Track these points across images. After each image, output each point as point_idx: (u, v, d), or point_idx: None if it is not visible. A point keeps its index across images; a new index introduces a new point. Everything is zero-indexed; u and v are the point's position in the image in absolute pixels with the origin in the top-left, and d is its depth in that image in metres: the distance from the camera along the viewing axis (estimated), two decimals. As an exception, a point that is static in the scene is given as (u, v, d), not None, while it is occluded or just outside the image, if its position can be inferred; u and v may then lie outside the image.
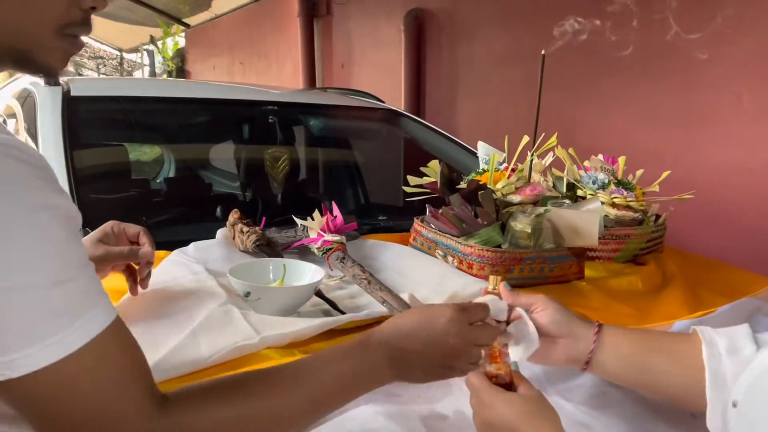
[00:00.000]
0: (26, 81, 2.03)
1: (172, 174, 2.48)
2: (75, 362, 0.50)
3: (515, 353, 0.77)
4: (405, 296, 1.00)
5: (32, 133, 1.68)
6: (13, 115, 1.99)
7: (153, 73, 9.66)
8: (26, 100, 1.90)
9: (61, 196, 0.53)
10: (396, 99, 4.20)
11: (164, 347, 0.85)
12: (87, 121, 1.81)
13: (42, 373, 0.49)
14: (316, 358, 0.68)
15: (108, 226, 1.00)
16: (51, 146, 1.56)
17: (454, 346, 0.70)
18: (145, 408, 0.54)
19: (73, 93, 1.79)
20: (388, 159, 2.58)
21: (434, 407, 0.82)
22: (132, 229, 1.01)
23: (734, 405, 0.65)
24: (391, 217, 1.87)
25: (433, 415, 0.81)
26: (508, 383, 0.72)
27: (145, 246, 1.00)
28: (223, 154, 2.31)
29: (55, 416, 0.51)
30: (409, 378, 0.72)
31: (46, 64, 0.58)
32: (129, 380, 0.54)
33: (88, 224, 1.34)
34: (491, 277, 0.80)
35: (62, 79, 1.86)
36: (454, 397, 0.84)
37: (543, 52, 1.31)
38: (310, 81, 5.71)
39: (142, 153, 2.74)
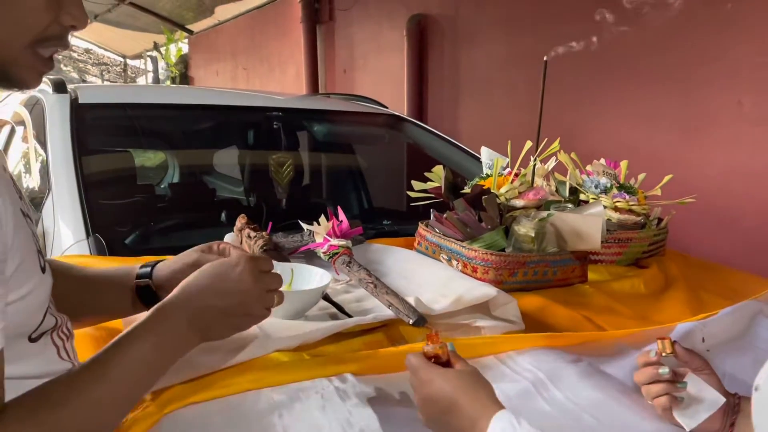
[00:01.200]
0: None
1: (177, 179, 2.50)
2: None
3: (690, 411, 0.79)
4: (411, 300, 1.02)
5: (41, 140, 1.70)
6: (21, 122, 2.01)
7: (156, 80, 9.70)
8: (34, 107, 1.92)
9: None
10: (398, 104, 4.22)
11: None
12: (95, 128, 1.83)
13: None
14: (116, 345, 0.66)
15: (213, 243, 0.92)
16: (60, 153, 1.58)
17: (250, 292, 0.74)
18: None
19: (81, 100, 1.82)
20: (391, 164, 2.60)
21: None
22: (235, 250, 0.90)
23: (756, 389, 0.66)
24: (394, 221, 1.89)
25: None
26: (445, 362, 0.77)
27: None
28: (228, 160, 2.33)
29: None
30: (213, 335, 0.75)
31: (21, 78, 0.59)
32: None
33: (97, 230, 1.37)
34: (659, 342, 0.83)
35: (70, 87, 1.89)
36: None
37: (545, 58, 1.33)
38: (313, 86, 5.74)
39: (147, 159, 2.76)
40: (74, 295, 0.84)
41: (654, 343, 0.85)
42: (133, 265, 0.93)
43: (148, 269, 0.89)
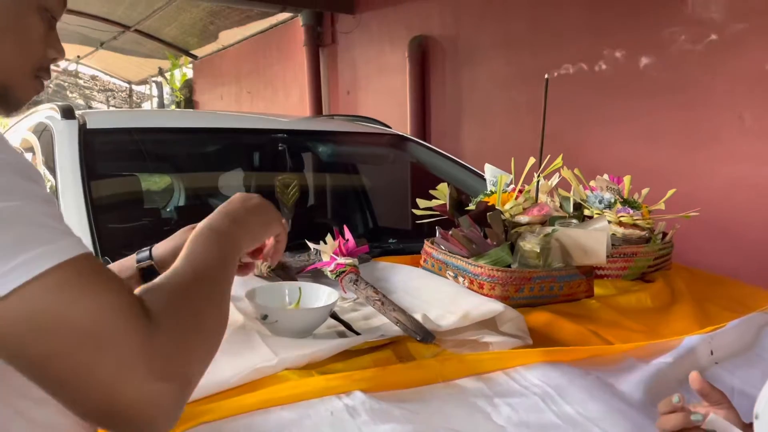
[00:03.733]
0: (42, 115, 2.08)
1: (183, 202, 2.52)
2: (49, 283, 0.49)
3: None
4: (418, 316, 1.02)
5: (50, 166, 1.72)
6: (30, 149, 2.04)
7: (161, 105, 9.81)
8: (43, 133, 1.95)
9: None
10: (401, 124, 4.26)
11: (186, 370, 0.87)
12: (103, 153, 1.85)
13: (24, 290, 0.48)
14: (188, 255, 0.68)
15: (182, 234, 0.97)
16: (69, 178, 1.60)
17: (261, 201, 0.83)
18: (140, 322, 0.52)
19: (89, 126, 1.84)
20: (395, 183, 2.62)
21: (450, 425, 0.84)
22: None
23: (756, 417, 0.66)
24: (399, 240, 1.90)
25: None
26: None
27: None
28: (234, 182, 2.35)
29: (48, 349, 0.49)
30: (252, 233, 0.80)
31: (18, 100, 0.69)
32: (117, 296, 0.52)
33: (106, 253, 1.38)
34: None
35: (78, 113, 1.92)
36: (469, 412, 0.85)
37: (546, 76, 1.35)
38: (317, 108, 5.80)
39: (153, 183, 2.79)
40: None
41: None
42: (125, 259, 0.96)
43: (146, 252, 0.93)
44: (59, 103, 1.97)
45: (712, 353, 1.07)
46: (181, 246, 0.82)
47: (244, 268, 0.92)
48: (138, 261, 0.93)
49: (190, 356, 0.56)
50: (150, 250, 0.93)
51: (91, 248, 1.37)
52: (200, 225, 0.74)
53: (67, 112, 1.87)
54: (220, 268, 0.67)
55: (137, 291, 0.57)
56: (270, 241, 0.89)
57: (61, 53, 0.72)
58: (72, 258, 0.51)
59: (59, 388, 0.50)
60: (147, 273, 0.92)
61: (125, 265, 0.95)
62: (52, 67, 0.74)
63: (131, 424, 0.51)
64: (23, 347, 0.49)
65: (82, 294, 0.51)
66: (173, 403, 0.52)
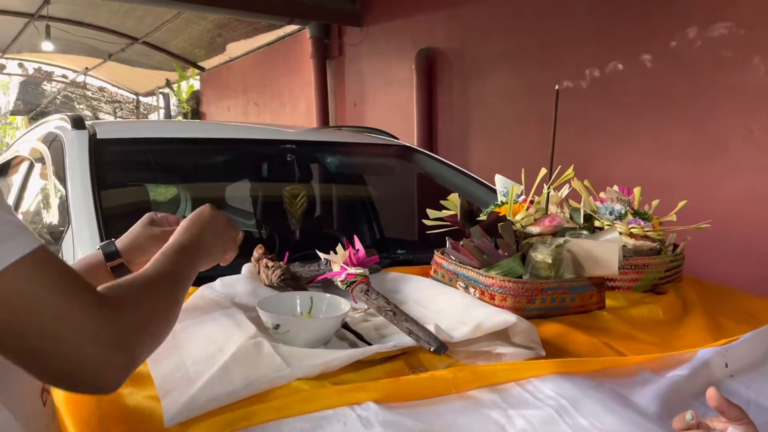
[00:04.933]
0: (52, 125, 2.10)
1: (191, 212, 2.52)
2: (11, 276, 0.57)
3: None
4: (431, 327, 1.02)
5: (60, 175, 1.73)
6: (40, 159, 2.05)
7: (168, 116, 9.86)
8: (53, 143, 1.96)
9: None
10: (408, 136, 4.27)
11: (197, 382, 0.87)
12: (113, 163, 1.86)
13: None
14: (161, 267, 0.79)
15: (151, 213, 1.10)
16: (79, 187, 1.61)
17: (221, 221, 0.97)
18: (92, 304, 0.61)
19: (99, 136, 1.85)
20: (402, 194, 2.62)
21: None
22: (171, 217, 1.11)
23: None
24: (408, 250, 1.90)
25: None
26: None
27: None
28: (242, 192, 2.36)
29: (9, 331, 0.57)
30: (210, 255, 0.94)
31: None
32: (72, 284, 0.61)
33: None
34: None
35: (88, 123, 1.93)
36: (483, 424, 0.84)
37: (557, 87, 1.35)
38: (324, 120, 5.82)
39: (160, 193, 2.79)
40: None
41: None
42: (87, 256, 1.07)
43: (113, 248, 1.04)
44: (69, 114, 1.98)
45: (726, 366, 1.06)
46: (139, 238, 1.06)
47: None
48: (107, 257, 1.03)
49: (141, 339, 0.66)
50: (114, 245, 1.05)
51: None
52: (167, 245, 0.86)
53: (78, 123, 1.88)
54: (179, 278, 0.80)
55: (102, 287, 0.67)
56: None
57: None
58: (35, 249, 0.60)
59: (24, 356, 0.59)
60: (117, 269, 1.03)
61: (86, 261, 1.04)
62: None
63: (84, 385, 0.61)
64: None
65: (45, 280, 0.59)
66: (120, 370, 0.63)
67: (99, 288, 0.66)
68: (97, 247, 1.05)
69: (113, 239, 1.06)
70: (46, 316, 0.58)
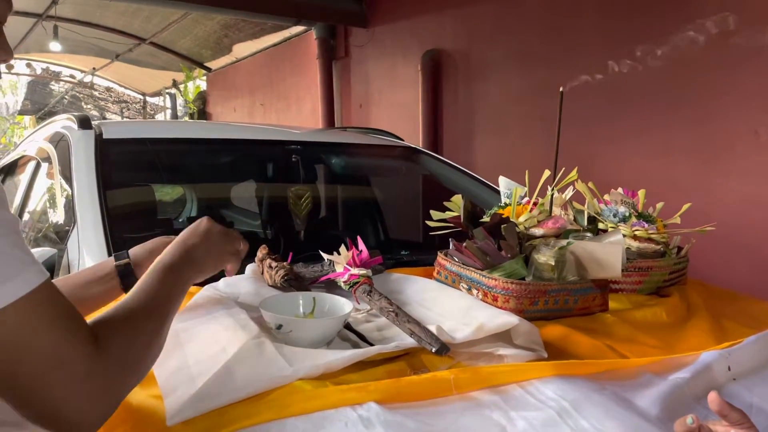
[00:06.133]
0: (59, 125, 2.11)
1: (196, 213, 2.53)
2: (11, 314, 0.59)
3: None
4: (433, 328, 1.02)
5: (66, 175, 1.74)
6: (47, 158, 2.06)
7: (175, 116, 9.89)
8: (59, 143, 1.97)
9: None
10: (414, 137, 4.27)
11: (200, 381, 0.87)
12: (119, 163, 1.87)
13: None
14: (151, 289, 0.81)
15: (159, 241, 1.11)
16: (85, 186, 1.62)
17: (218, 233, 0.96)
18: (86, 349, 0.63)
19: (105, 136, 1.86)
20: (407, 195, 2.63)
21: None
22: None
23: None
24: (412, 251, 1.90)
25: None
26: None
27: None
28: (247, 193, 2.37)
29: (8, 363, 0.59)
30: (203, 268, 0.94)
31: None
32: (68, 326, 0.63)
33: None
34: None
35: (94, 123, 1.94)
36: (484, 426, 0.84)
37: (561, 89, 1.35)
38: (330, 121, 5.83)
39: (166, 193, 2.80)
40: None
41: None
42: (101, 262, 1.10)
43: (124, 254, 1.07)
44: (76, 114, 1.99)
45: (729, 369, 1.05)
46: (155, 250, 1.05)
47: None
48: (116, 259, 1.06)
49: (126, 381, 0.69)
50: (127, 251, 1.08)
51: (106, 256, 1.39)
52: (158, 259, 0.87)
53: (84, 122, 1.90)
54: (166, 303, 0.81)
55: (91, 321, 0.68)
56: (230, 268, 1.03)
57: (9, 54, 0.75)
58: (36, 288, 0.61)
59: (12, 393, 0.61)
60: (124, 272, 1.05)
61: (99, 267, 1.07)
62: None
63: (69, 427, 0.62)
64: None
65: (43, 321, 0.61)
66: (102, 417, 0.65)
67: (90, 323, 0.68)
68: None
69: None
70: (40, 359, 0.60)
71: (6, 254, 0.61)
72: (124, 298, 0.78)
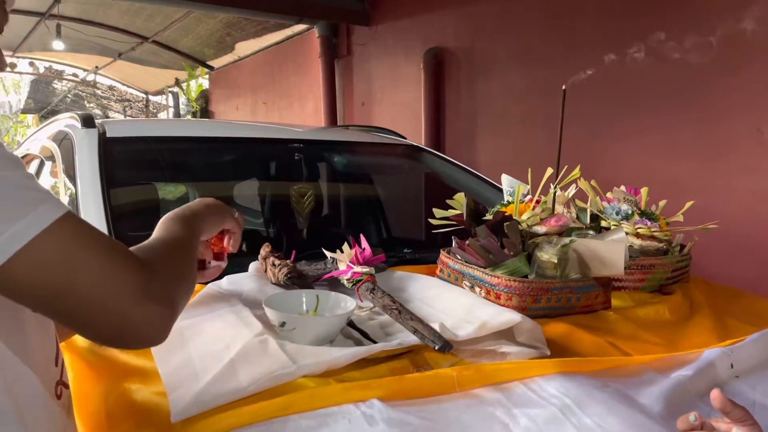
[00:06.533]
0: (62, 124, 2.11)
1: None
2: (52, 238, 0.59)
3: None
4: (436, 326, 1.02)
5: (70, 173, 1.74)
6: (50, 157, 2.07)
7: (177, 115, 9.90)
8: (62, 142, 1.98)
9: None
10: (416, 136, 4.27)
11: (204, 378, 0.88)
12: (122, 161, 1.88)
13: (27, 251, 0.57)
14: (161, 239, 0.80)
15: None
16: (89, 185, 1.62)
17: (215, 201, 0.97)
18: (130, 261, 0.64)
19: (108, 134, 1.86)
20: (410, 193, 2.63)
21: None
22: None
23: None
24: (414, 249, 1.90)
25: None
26: None
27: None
28: (250, 191, 2.37)
29: (58, 293, 0.59)
30: (208, 222, 0.93)
31: None
32: (105, 243, 0.64)
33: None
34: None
35: (98, 121, 1.94)
36: (487, 423, 0.85)
37: (564, 87, 1.35)
38: (332, 120, 5.83)
39: (168, 192, 2.81)
40: None
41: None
42: None
43: None
44: (79, 112, 1.99)
45: (732, 366, 1.05)
46: None
47: (215, 270, 1.06)
48: None
49: (176, 290, 0.69)
50: None
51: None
52: (168, 214, 0.87)
53: (87, 121, 1.90)
54: (187, 239, 0.82)
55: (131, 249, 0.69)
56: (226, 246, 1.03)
57: (3, 65, 0.76)
58: (66, 212, 0.61)
59: (74, 316, 0.62)
60: None
61: None
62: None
63: (136, 339, 0.64)
64: (41, 286, 0.59)
65: (87, 240, 0.62)
66: (166, 321, 0.66)
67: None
68: None
69: None
70: (90, 277, 0.60)
71: (24, 188, 0.60)
72: (150, 239, 0.78)
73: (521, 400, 0.89)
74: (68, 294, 0.60)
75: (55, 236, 0.59)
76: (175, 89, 9.90)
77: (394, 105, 5.12)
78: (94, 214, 1.52)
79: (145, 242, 0.75)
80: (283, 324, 1.01)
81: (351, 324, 1.10)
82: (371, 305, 1.21)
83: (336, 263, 1.33)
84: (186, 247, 0.80)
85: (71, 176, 1.72)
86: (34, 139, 2.54)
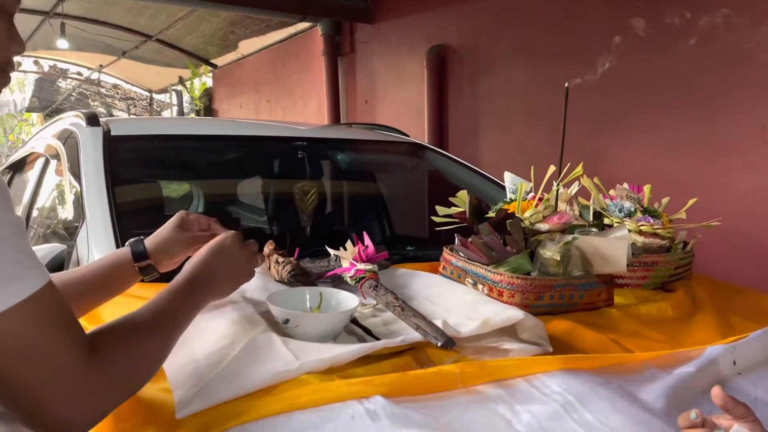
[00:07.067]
0: (67, 122, 2.12)
1: (203, 209, 2.55)
2: (10, 318, 0.59)
3: None
4: (438, 323, 1.03)
5: (75, 171, 1.75)
6: (55, 155, 2.08)
7: (181, 113, 9.93)
8: (67, 140, 1.99)
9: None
10: (419, 133, 4.27)
11: (208, 374, 0.88)
12: (127, 159, 1.89)
13: None
14: (161, 308, 0.81)
15: (183, 213, 1.10)
16: (94, 183, 1.63)
17: (242, 257, 0.97)
18: (82, 356, 0.64)
19: (113, 133, 1.87)
20: (413, 191, 2.63)
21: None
22: (203, 218, 1.11)
23: None
24: (418, 247, 1.90)
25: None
26: None
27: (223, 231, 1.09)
28: (253, 189, 2.38)
29: (7, 366, 0.60)
30: (220, 292, 0.96)
31: None
32: (65, 332, 0.64)
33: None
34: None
35: (102, 120, 1.95)
36: (490, 419, 0.85)
37: (567, 84, 1.35)
38: (335, 117, 5.83)
39: (173, 190, 2.82)
40: (85, 295, 0.99)
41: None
42: (115, 252, 1.07)
43: (141, 248, 1.03)
44: (84, 111, 2.00)
45: (734, 363, 1.05)
46: (167, 242, 1.04)
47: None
48: (135, 259, 1.03)
49: (119, 393, 0.70)
50: (143, 244, 1.04)
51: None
52: (179, 277, 0.88)
53: (92, 119, 1.91)
54: (175, 322, 0.82)
55: (96, 328, 0.70)
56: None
57: (22, 46, 0.75)
58: (36, 292, 0.62)
59: (9, 398, 0.62)
60: (145, 270, 1.04)
61: (115, 258, 1.04)
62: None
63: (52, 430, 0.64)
64: None
65: (41, 325, 0.62)
66: (88, 425, 0.67)
67: (92, 331, 0.70)
68: (127, 243, 1.05)
69: (142, 237, 1.06)
70: (38, 364, 0.61)
71: (7, 257, 0.61)
72: (136, 309, 0.78)
73: (524, 396, 0.90)
74: (9, 377, 0.60)
75: (20, 314, 0.60)
76: (179, 87, 9.92)
77: (397, 103, 5.12)
78: (98, 212, 1.53)
79: (125, 321, 0.75)
80: (286, 321, 1.02)
81: (354, 321, 1.10)
82: (374, 302, 1.21)
83: (339, 261, 1.33)
84: (170, 331, 0.80)
85: (76, 174, 1.73)
86: (39, 137, 2.55)
